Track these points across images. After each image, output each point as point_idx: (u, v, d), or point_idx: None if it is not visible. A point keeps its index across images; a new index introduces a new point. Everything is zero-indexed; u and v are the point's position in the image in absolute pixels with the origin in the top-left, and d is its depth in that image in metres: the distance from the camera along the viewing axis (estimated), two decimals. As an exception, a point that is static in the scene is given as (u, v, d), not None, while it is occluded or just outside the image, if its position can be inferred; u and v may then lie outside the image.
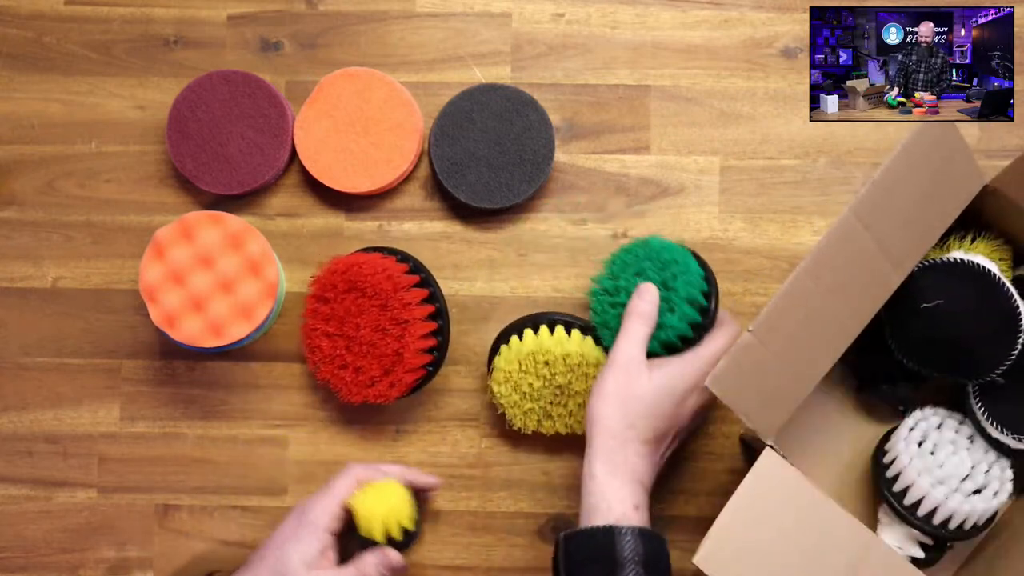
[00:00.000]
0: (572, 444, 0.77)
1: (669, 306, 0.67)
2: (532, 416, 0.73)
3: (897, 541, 0.71)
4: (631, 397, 0.64)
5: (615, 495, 0.62)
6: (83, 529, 0.78)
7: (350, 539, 0.69)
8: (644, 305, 0.67)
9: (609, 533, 0.60)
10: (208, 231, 0.73)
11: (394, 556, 0.68)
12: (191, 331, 0.73)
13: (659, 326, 0.67)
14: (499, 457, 0.77)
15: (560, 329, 0.73)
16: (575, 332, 0.73)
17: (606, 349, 0.71)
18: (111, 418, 0.78)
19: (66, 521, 0.78)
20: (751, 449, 0.75)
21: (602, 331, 0.71)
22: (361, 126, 0.78)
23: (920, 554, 0.71)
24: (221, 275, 0.73)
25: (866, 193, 0.60)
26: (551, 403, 0.72)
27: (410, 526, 0.70)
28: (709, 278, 0.69)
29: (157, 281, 0.73)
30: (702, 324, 0.68)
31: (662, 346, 0.68)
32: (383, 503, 0.68)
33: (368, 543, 0.68)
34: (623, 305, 0.69)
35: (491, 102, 0.78)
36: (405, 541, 0.70)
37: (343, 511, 0.68)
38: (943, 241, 0.70)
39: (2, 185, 0.80)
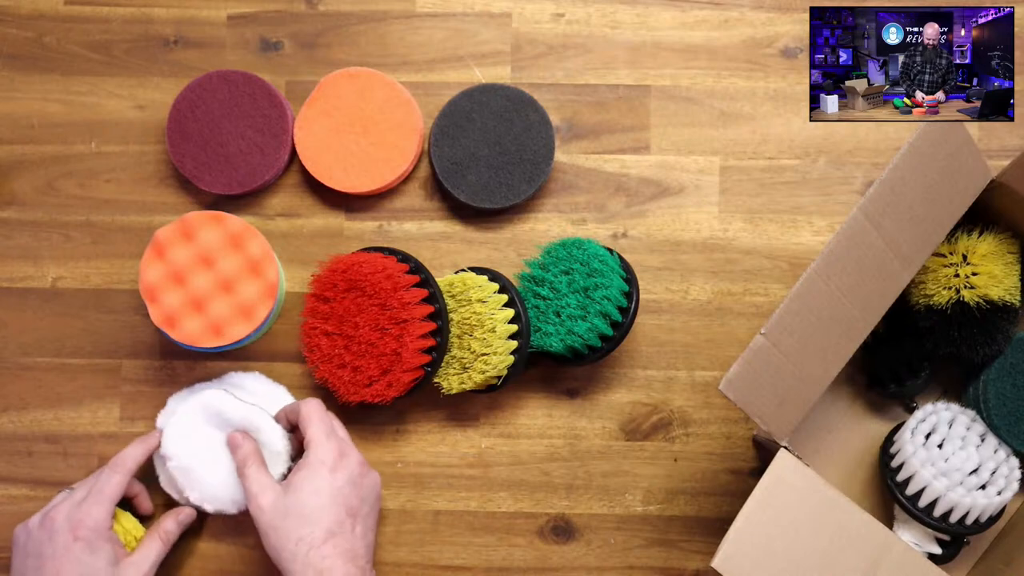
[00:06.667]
0: (572, 444, 0.77)
1: (583, 314, 0.70)
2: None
3: (914, 538, 0.71)
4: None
5: None
6: (83, 529, 0.78)
7: None
8: (241, 453, 0.70)
9: None
10: (208, 231, 0.73)
11: (186, 509, 0.73)
12: (191, 331, 0.73)
13: (568, 331, 0.71)
14: (499, 457, 0.77)
15: (486, 282, 0.73)
16: (495, 296, 0.73)
17: (513, 324, 0.72)
18: (111, 418, 0.78)
19: (66, 521, 0.78)
20: (764, 449, 0.75)
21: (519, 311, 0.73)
22: (361, 126, 0.78)
23: (938, 550, 0.71)
24: (221, 275, 0.73)
25: (874, 192, 0.61)
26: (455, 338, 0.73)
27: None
28: (631, 293, 0.72)
29: (157, 281, 0.73)
30: (612, 336, 0.72)
31: (568, 350, 0.72)
32: None
33: None
34: (544, 298, 0.73)
35: (491, 102, 0.78)
36: None
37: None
38: (951, 236, 0.71)
39: (2, 185, 0.80)
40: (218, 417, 0.72)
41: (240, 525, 0.77)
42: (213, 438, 0.72)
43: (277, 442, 0.72)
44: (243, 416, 0.72)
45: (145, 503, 0.75)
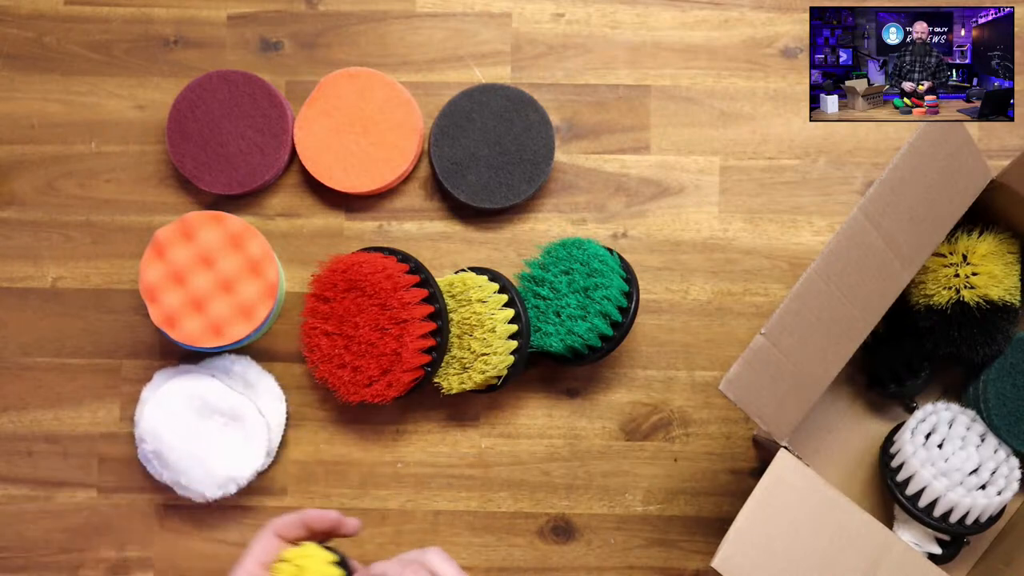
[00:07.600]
0: (572, 444, 0.77)
1: (583, 314, 0.71)
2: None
3: (914, 538, 0.71)
4: None
5: None
6: (83, 529, 0.78)
7: None
8: None
9: None
10: (208, 231, 0.73)
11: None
12: (191, 331, 0.73)
13: (568, 331, 0.71)
14: (499, 457, 0.77)
15: (486, 282, 0.73)
16: (495, 296, 0.72)
17: (513, 325, 0.72)
18: (111, 418, 0.78)
19: (66, 521, 0.78)
20: (764, 449, 0.75)
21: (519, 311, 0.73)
22: (361, 126, 0.78)
23: (938, 550, 0.71)
24: (221, 275, 0.73)
25: (874, 192, 0.61)
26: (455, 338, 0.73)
27: None
28: (631, 293, 0.72)
29: (157, 281, 0.73)
30: (612, 336, 0.72)
31: (568, 350, 0.72)
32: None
33: None
34: (544, 298, 0.73)
35: (491, 102, 0.78)
36: None
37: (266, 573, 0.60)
38: (951, 236, 0.71)
39: (2, 185, 0.80)
40: (202, 404, 0.72)
41: (240, 525, 0.77)
42: (192, 424, 0.72)
43: (260, 434, 0.72)
44: (229, 405, 0.72)
45: (346, 526, 0.63)
